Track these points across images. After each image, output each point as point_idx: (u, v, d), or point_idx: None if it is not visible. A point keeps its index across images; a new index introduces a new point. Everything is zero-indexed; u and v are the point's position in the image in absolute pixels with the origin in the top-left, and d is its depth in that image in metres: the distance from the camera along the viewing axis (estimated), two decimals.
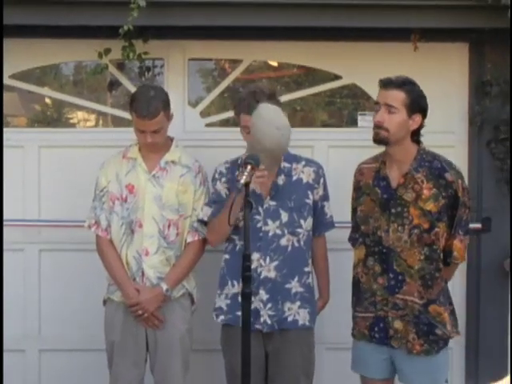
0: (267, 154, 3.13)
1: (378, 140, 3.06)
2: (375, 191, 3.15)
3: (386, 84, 3.06)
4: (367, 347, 3.19)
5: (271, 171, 3.24)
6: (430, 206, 3.03)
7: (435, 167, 3.07)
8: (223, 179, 3.44)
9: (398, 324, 3.09)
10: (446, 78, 4.18)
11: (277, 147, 3.17)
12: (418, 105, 3.06)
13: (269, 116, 3.16)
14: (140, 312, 3.35)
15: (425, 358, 3.09)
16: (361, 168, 3.27)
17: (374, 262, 3.13)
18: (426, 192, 3.04)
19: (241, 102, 3.36)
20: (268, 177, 3.18)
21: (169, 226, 3.41)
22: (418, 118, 3.07)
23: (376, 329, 3.14)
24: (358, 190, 3.24)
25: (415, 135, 3.11)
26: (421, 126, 3.11)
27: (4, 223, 3.99)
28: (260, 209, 3.34)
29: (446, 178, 3.05)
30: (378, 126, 3.04)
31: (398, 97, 3.03)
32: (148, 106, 3.28)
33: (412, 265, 3.06)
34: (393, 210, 3.08)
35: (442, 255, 3.10)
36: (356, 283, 3.24)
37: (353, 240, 3.29)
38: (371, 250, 3.15)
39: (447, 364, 3.20)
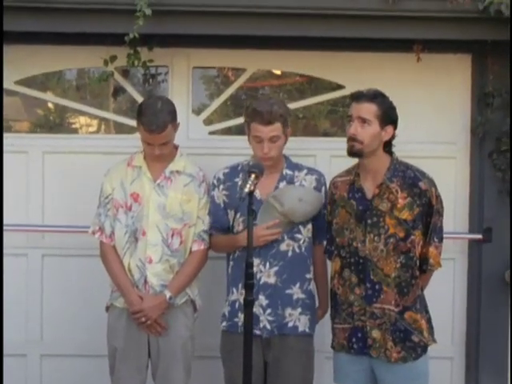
0: (288, 219, 3.33)
1: (352, 152, 3.13)
2: (350, 203, 3.20)
3: (357, 97, 3.12)
4: (347, 358, 3.22)
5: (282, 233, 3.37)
6: (405, 215, 3.10)
7: (409, 176, 3.14)
8: (221, 186, 3.46)
9: (376, 333, 3.13)
10: (448, 89, 4.19)
11: (297, 217, 3.35)
12: (389, 116, 3.13)
13: (293, 190, 3.38)
14: (143, 319, 3.36)
15: (404, 366, 3.12)
16: (335, 181, 3.32)
17: (350, 273, 3.18)
18: (400, 201, 3.10)
19: (255, 111, 3.31)
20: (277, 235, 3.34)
21: (172, 235, 3.43)
22: (389, 129, 3.14)
23: (354, 339, 3.18)
24: (333, 203, 3.29)
25: (387, 146, 3.17)
26: (392, 137, 3.18)
27: (7, 228, 4.00)
28: None
29: (420, 187, 3.11)
30: (352, 139, 3.11)
31: (370, 109, 3.09)
32: (156, 120, 3.29)
33: (388, 273, 3.11)
34: (369, 221, 3.13)
35: (418, 262, 3.15)
36: (333, 295, 3.28)
37: (329, 253, 3.36)
38: (347, 262, 3.19)
39: (427, 373, 3.21)
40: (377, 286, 3.12)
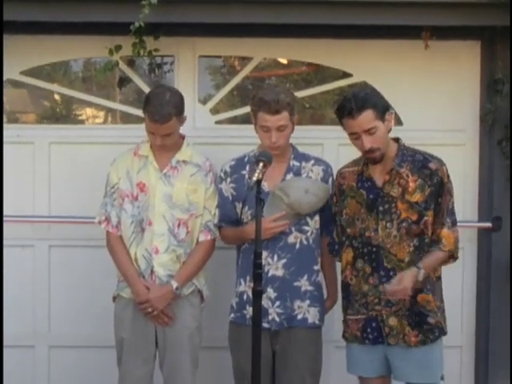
0: (295, 211, 3.30)
1: (378, 161, 3.12)
2: (360, 193, 3.19)
3: (349, 113, 3.05)
4: (359, 348, 3.22)
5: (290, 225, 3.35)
6: (416, 197, 3.11)
7: (418, 160, 3.15)
8: (228, 179, 3.45)
9: (392, 321, 3.14)
10: (457, 76, 4.16)
11: (303, 208, 3.32)
12: (382, 108, 3.10)
13: (300, 181, 3.36)
14: (149, 309, 3.36)
15: (419, 352, 3.12)
16: (342, 172, 3.31)
17: (363, 264, 3.18)
18: (411, 184, 3.11)
19: (262, 101, 3.28)
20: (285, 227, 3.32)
21: (178, 225, 3.41)
22: (389, 116, 3.12)
23: (369, 330, 3.18)
24: (341, 193, 3.28)
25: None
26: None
27: (14, 219, 4.01)
28: None
29: (431, 168, 3.13)
30: (369, 151, 3.09)
31: (368, 117, 3.05)
32: (161, 111, 3.26)
33: (402, 258, 3.11)
34: (380, 208, 3.13)
35: (430, 244, 3.14)
36: (345, 286, 3.27)
37: (332, 246, 3.36)
38: (359, 252, 3.18)
39: (442, 360, 3.22)
40: (391, 273, 3.11)
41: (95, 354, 4.12)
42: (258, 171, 2.88)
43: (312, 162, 3.45)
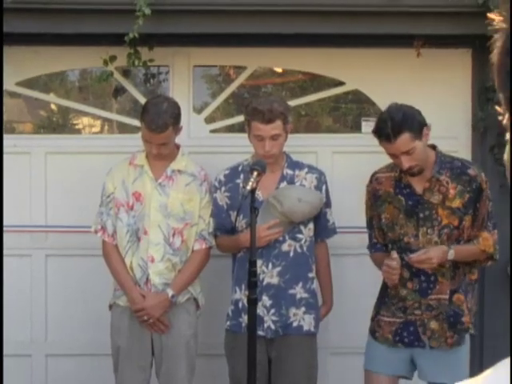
0: (288, 219, 3.32)
1: (417, 175, 3.13)
2: (398, 199, 3.20)
3: (386, 138, 3.04)
4: (388, 349, 3.23)
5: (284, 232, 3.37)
6: (457, 203, 3.14)
7: (456, 166, 3.18)
8: (223, 188, 3.47)
9: (434, 324, 3.16)
10: (449, 84, 4.19)
11: (296, 216, 3.33)
12: (419, 126, 3.08)
13: (293, 190, 3.37)
14: (146, 317, 3.38)
15: (445, 352, 3.16)
16: (378, 177, 3.29)
17: (401, 268, 3.15)
18: (451, 191, 3.15)
19: (255, 110, 3.31)
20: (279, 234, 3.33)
21: (174, 234, 3.44)
22: (425, 131, 3.11)
23: (405, 333, 3.18)
24: (377, 198, 3.26)
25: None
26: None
27: (11, 229, 4.03)
28: None
29: (470, 174, 3.16)
30: (410, 169, 3.09)
31: (405, 140, 3.03)
32: (158, 120, 3.29)
33: (443, 263, 3.12)
34: (421, 215, 3.16)
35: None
36: (384, 288, 3.27)
37: (375, 247, 3.33)
38: (399, 257, 3.16)
39: (467, 361, 3.28)
40: (432, 278, 3.14)
41: (92, 363, 4.12)
42: (252, 180, 2.91)
43: (306, 170, 3.47)
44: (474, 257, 3.22)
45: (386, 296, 3.25)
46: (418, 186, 3.18)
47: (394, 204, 3.21)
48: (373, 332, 3.28)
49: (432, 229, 3.14)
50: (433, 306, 3.15)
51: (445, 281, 3.14)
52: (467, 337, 3.23)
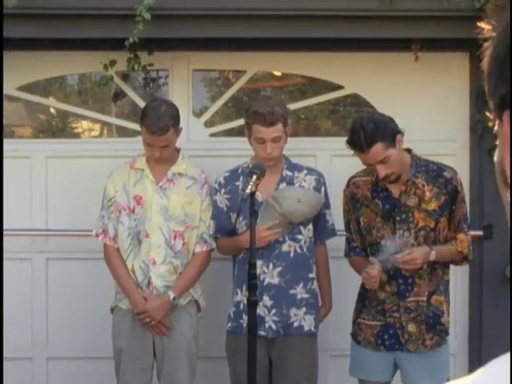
0: (287, 220, 3.33)
1: (394, 182, 3.16)
2: (375, 203, 3.23)
3: (360, 149, 3.07)
4: (372, 353, 3.25)
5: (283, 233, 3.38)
6: (433, 205, 3.17)
7: (432, 169, 3.22)
8: (222, 190, 3.49)
9: (411, 327, 3.18)
10: (446, 87, 4.22)
11: (295, 217, 3.35)
12: (391, 135, 3.10)
13: (292, 190, 3.39)
14: (147, 320, 3.40)
15: (432, 354, 3.17)
16: (355, 181, 3.33)
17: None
18: (427, 194, 3.17)
19: (256, 113, 3.32)
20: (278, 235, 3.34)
21: (175, 237, 3.46)
22: (399, 138, 3.13)
23: (386, 336, 3.21)
24: (355, 201, 3.30)
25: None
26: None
27: (12, 232, 4.03)
28: None
29: (445, 176, 3.20)
30: (387, 177, 3.12)
31: (379, 150, 3.06)
32: (158, 123, 3.31)
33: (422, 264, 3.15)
34: (397, 218, 3.18)
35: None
36: (363, 292, 3.29)
37: (353, 250, 3.37)
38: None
39: (449, 363, 3.31)
40: (409, 280, 3.17)
41: (93, 365, 4.13)
42: (251, 183, 2.93)
43: (305, 171, 3.49)
44: (451, 257, 3.26)
45: (365, 299, 3.27)
46: (395, 189, 3.20)
47: (371, 208, 3.24)
48: (354, 335, 3.31)
49: (408, 231, 3.17)
50: (411, 309, 3.17)
51: (422, 282, 3.16)
52: (447, 338, 3.25)
